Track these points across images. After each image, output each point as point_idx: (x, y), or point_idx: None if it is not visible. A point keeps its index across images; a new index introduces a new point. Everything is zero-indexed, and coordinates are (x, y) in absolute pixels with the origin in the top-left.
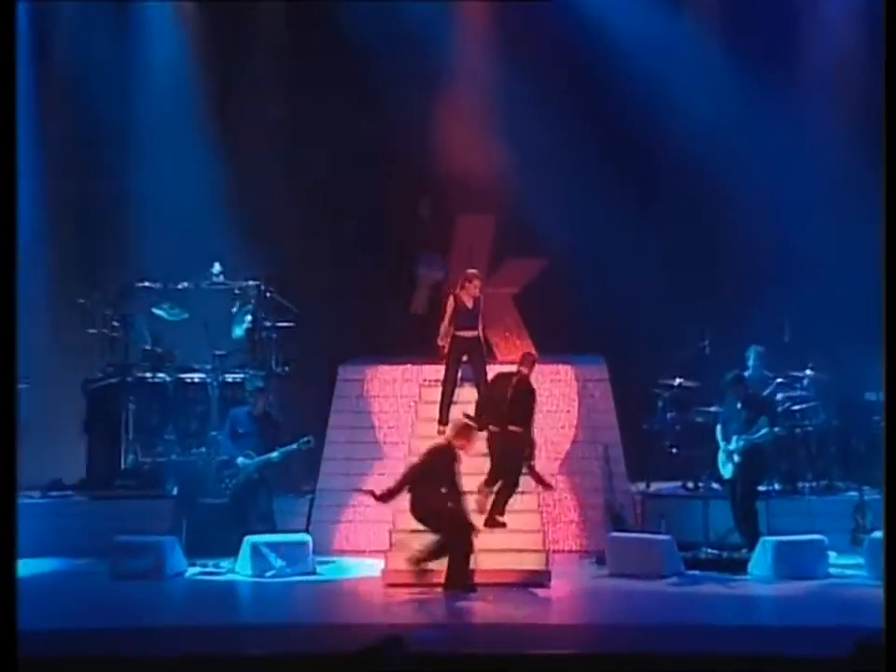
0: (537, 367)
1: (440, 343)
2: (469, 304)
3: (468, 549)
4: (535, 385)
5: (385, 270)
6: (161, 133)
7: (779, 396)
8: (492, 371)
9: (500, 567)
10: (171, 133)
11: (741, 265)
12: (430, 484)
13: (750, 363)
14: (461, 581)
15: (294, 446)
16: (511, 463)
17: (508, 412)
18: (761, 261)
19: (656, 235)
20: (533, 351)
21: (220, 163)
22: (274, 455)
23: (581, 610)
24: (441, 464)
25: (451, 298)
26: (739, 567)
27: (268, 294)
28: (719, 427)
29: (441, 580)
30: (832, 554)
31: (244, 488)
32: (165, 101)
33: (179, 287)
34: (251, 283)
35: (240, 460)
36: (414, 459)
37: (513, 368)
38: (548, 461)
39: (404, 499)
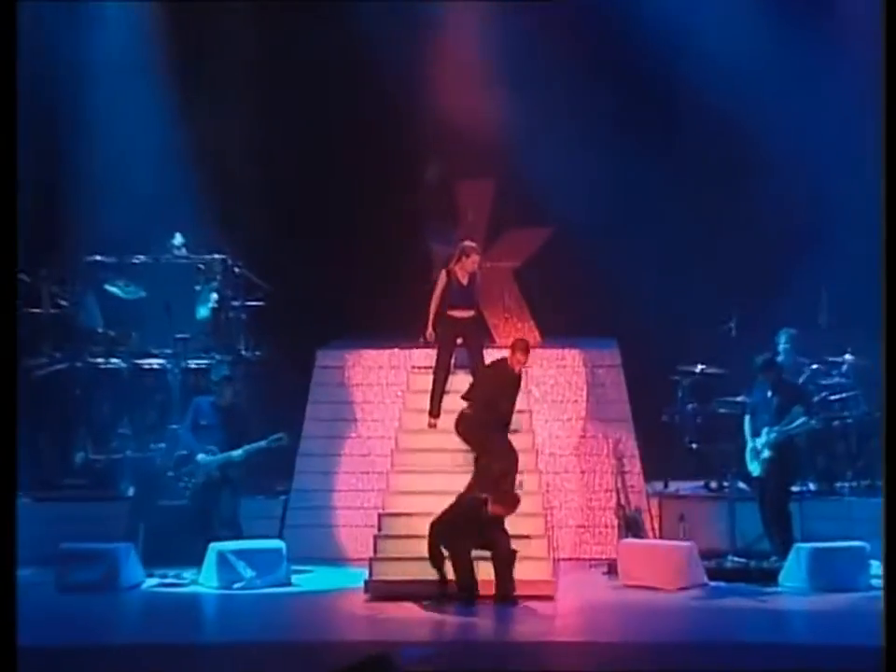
0: (540, 352)
1: (428, 330)
2: (465, 280)
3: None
4: (525, 377)
5: (371, 241)
6: (119, 95)
7: (815, 384)
8: (489, 356)
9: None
10: (128, 95)
11: (772, 235)
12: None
13: (782, 347)
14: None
15: (263, 443)
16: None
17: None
18: (794, 231)
19: (676, 202)
20: (529, 336)
21: (183, 123)
22: (237, 453)
23: (590, 627)
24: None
25: (443, 273)
26: (770, 577)
27: (236, 269)
28: (747, 419)
29: (430, 589)
30: (874, 564)
31: (205, 488)
32: (122, 65)
33: (135, 261)
34: (217, 257)
35: (200, 456)
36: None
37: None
38: (552, 458)
39: (389, 500)
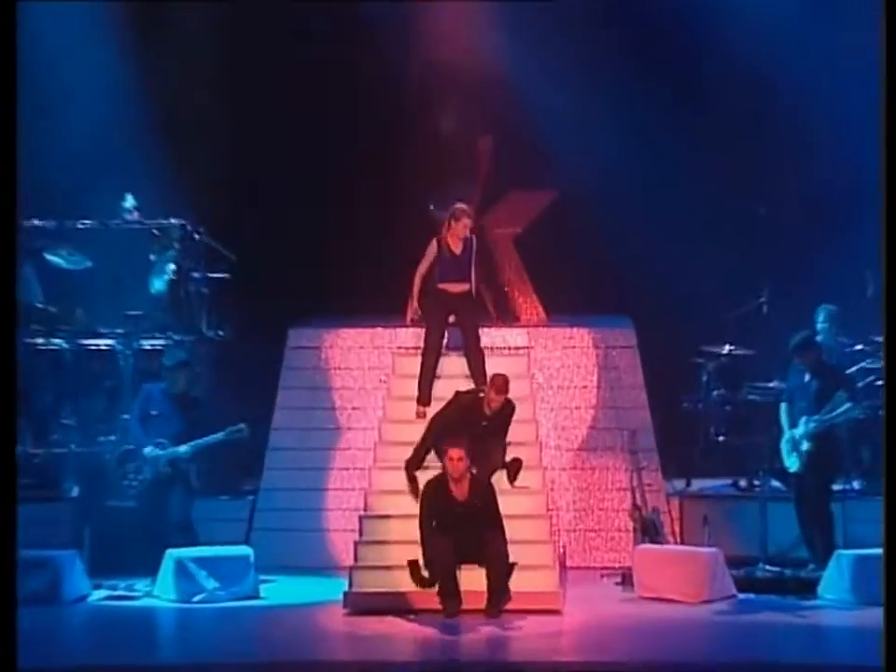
0: (544, 331)
1: (413, 305)
2: (458, 249)
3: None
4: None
5: (352, 206)
6: (61, 29)
7: (858, 367)
8: (487, 336)
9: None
10: (72, 28)
11: (808, 199)
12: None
13: (820, 325)
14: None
15: (220, 436)
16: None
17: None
18: (834, 195)
19: (699, 160)
20: (532, 313)
21: (136, 63)
22: (183, 448)
23: (601, 645)
24: None
25: (433, 243)
26: (807, 589)
27: (197, 236)
28: (783, 407)
29: (418, 602)
30: None
31: (152, 487)
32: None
33: (80, 226)
34: (175, 222)
35: (147, 450)
36: None
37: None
38: (558, 452)
39: (372, 500)
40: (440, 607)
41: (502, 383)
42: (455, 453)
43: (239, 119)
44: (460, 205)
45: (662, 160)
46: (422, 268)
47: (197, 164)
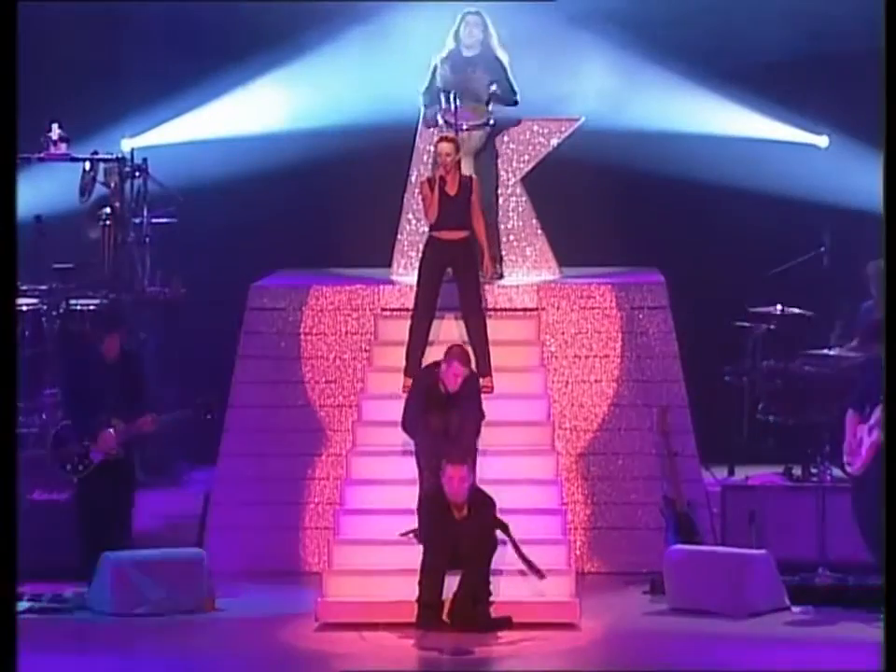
0: (557, 288)
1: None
2: (453, 190)
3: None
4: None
5: (325, 133)
6: None
7: None
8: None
9: (502, 598)
10: None
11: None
12: None
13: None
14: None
15: (188, 411)
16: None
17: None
18: None
19: (743, 83)
20: (544, 266)
21: None
22: (147, 425)
23: (626, 663)
24: None
25: (424, 184)
26: (875, 599)
27: (138, 173)
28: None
29: (404, 613)
30: None
31: (94, 476)
32: None
33: None
34: (110, 155)
35: (108, 430)
36: None
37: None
38: (574, 434)
39: (350, 491)
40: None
41: (460, 353)
42: (455, 472)
43: (185, 36)
44: (446, 134)
45: (695, 85)
46: (428, 217)
47: (136, 87)
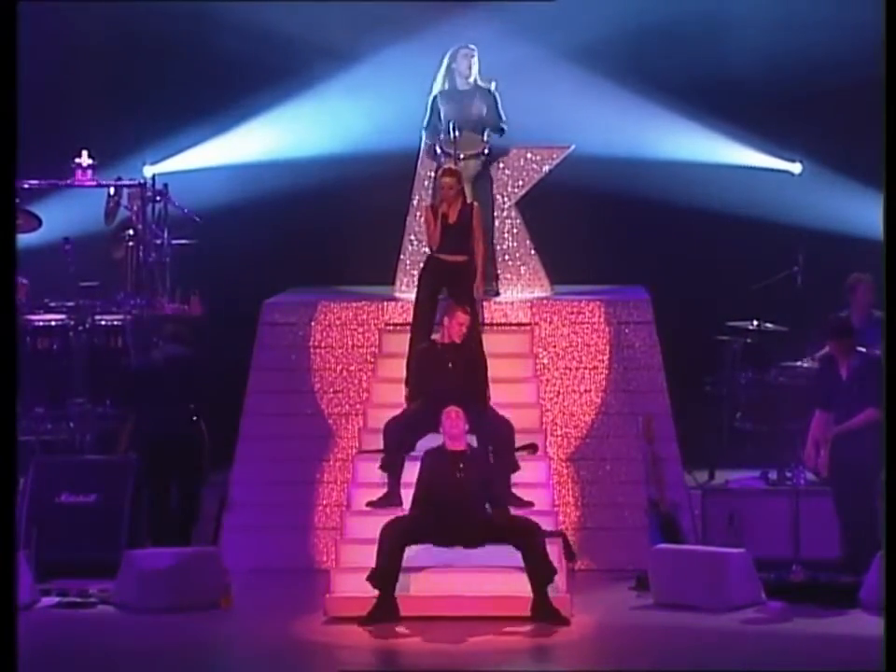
0: (550, 305)
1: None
2: (453, 218)
3: None
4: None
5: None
6: None
7: None
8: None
9: (493, 594)
10: None
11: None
12: None
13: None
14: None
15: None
16: None
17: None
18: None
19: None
20: (535, 284)
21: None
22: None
23: (614, 656)
24: None
25: (427, 211)
26: (846, 595)
27: (159, 198)
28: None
29: (409, 608)
30: None
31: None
32: None
33: (27, 185)
34: (133, 181)
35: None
36: None
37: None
38: (565, 441)
39: (357, 494)
40: (432, 613)
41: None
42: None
43: (207, 65)
44: (449, 167)
45: (680, 107)
46: (431, 243)
47: (164, 115)
